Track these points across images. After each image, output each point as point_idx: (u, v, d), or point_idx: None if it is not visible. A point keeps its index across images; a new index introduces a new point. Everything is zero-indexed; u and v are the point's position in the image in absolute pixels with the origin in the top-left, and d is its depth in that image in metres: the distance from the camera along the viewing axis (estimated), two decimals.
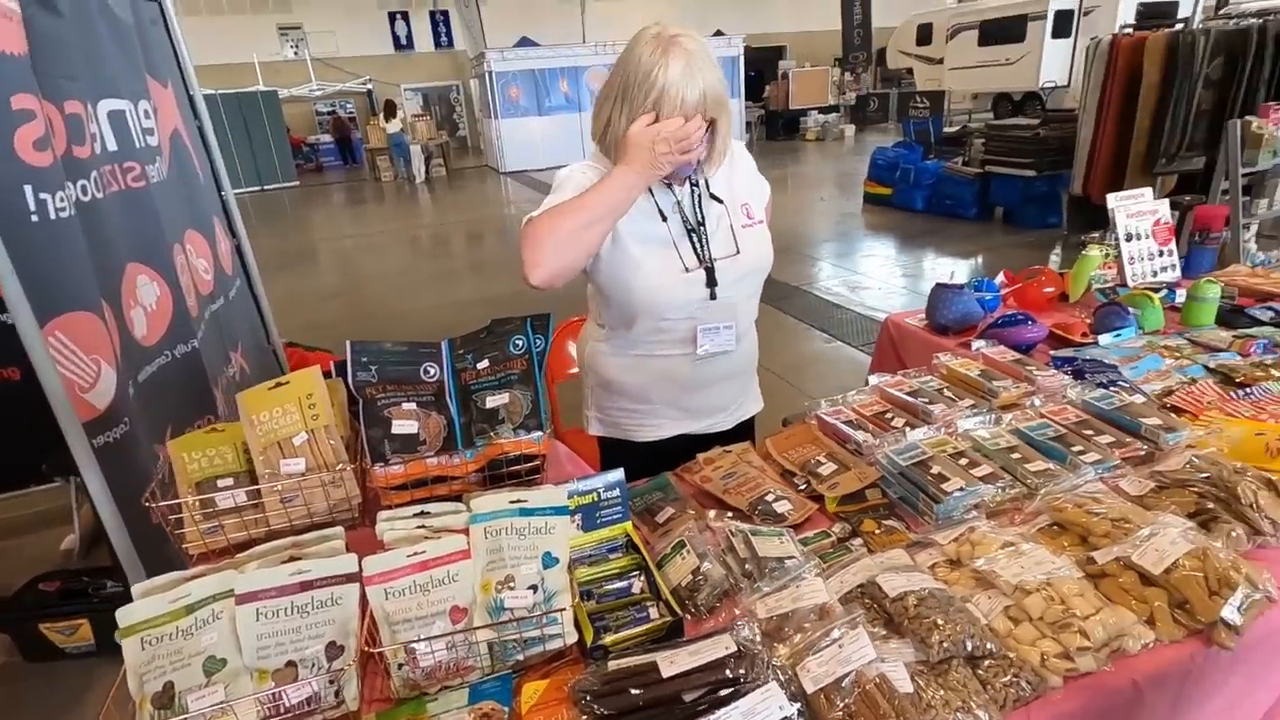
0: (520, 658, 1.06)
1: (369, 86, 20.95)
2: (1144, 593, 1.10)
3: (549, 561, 1.11)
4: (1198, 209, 2.63)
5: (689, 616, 1.15)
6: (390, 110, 15.17)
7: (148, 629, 0.97)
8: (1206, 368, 1.84)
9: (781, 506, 1.39)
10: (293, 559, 1.05)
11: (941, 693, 0.95)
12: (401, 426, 1.20)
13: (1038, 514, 1.30)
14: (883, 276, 6.32)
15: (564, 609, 1.04)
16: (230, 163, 3.08)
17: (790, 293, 5.94)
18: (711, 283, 1.53)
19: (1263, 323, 2.11)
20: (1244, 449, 1.40)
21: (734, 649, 0.98)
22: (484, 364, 1.32)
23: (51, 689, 2.25)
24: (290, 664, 0.98)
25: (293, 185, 16.19)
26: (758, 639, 1.02)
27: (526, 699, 0.99)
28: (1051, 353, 1.94)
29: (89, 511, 2.73)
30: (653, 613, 1.12)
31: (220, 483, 1.14)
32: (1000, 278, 2.49)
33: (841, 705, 0.92)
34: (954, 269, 6.37)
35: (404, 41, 21.40)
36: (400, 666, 1.02)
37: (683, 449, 1.61)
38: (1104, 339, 2.02)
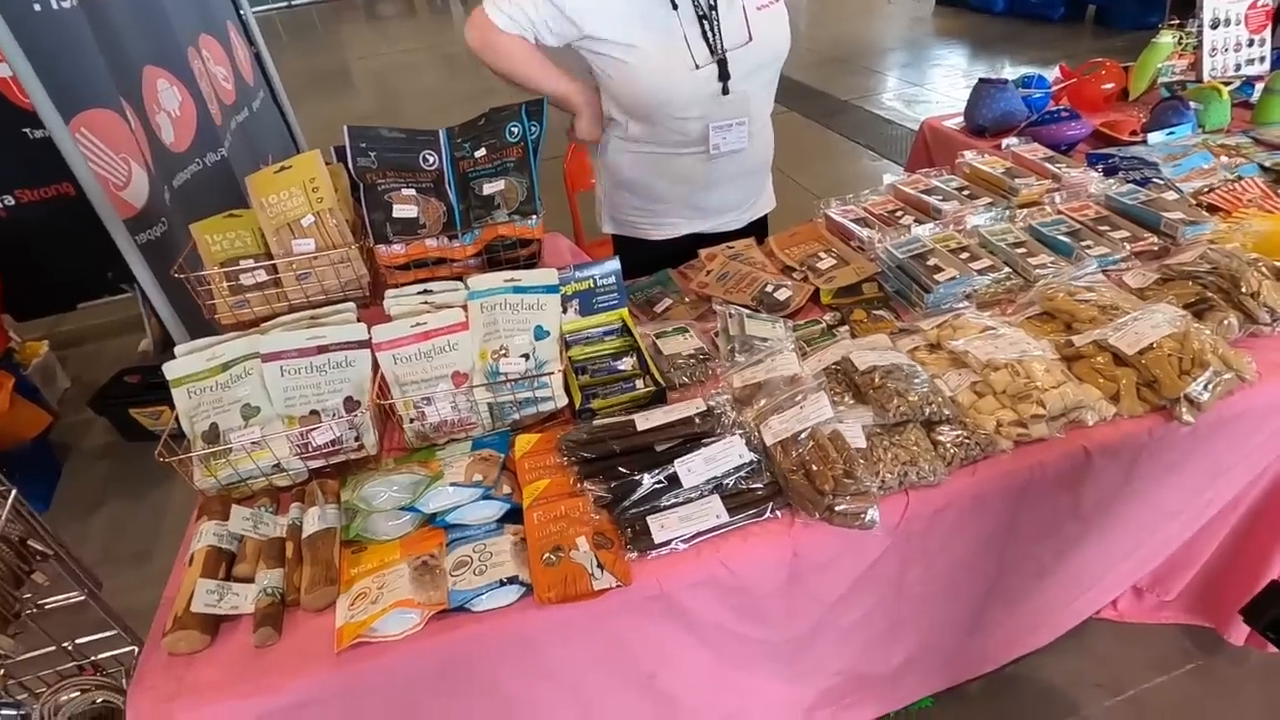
0: (517, 417, 1.18)
1: None
2: (1115, 372, 1.12)
3: (540, 334, 1.19)
4: None
5: (677, 385, 1.24)
6: None
7: (192, 381, 1.11)
8: (1262, 166, 1.70)
9: (782, 294, 1.43)
10: (311, 327, 1.16)
11: (893, 449, 1.03)
12: (402, 211, 1.25)
13: (1030, 304, 1.30)
14: (945, 89, 5.78)
15: (552, 373, 1.14)
16: None
17: (841, 108, 5.54)
18: (724, 76, 1.46)
19: None
20: (1269, 242, 1.34)
21: (704, 409, 1.08)
22: (481, 152, 1.33)
23: (144, 462, 2.62)
24: (314, 412, 1.12)
25: (322, 1, 15.27)
26: (729, 403, 1.11)
27: (520, 448, 1.12)
28: (1089, 151, 1.81)
29: (158, 320, 2.98)
30: (639, 384, 1.21)
31: (243, 262, 1.24)
32: (1055, 72, 2.27)
33: (795, 455, 1.01)
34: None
35: None
36: (411, 421, 1.15)
37: (693, 246, 1.63)
38: (1154, 137, 1.86)
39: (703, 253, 1.58)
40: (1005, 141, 1.81)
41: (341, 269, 1.24)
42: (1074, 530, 1.25)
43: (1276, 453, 1.29)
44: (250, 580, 0.96)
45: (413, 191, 1.28)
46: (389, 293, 1.23)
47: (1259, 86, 2.05)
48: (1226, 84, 2.01)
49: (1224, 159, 1.75)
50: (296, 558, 0.99)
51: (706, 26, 1.42)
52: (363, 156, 1.26)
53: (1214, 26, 2.19)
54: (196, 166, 2.18)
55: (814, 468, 0.98)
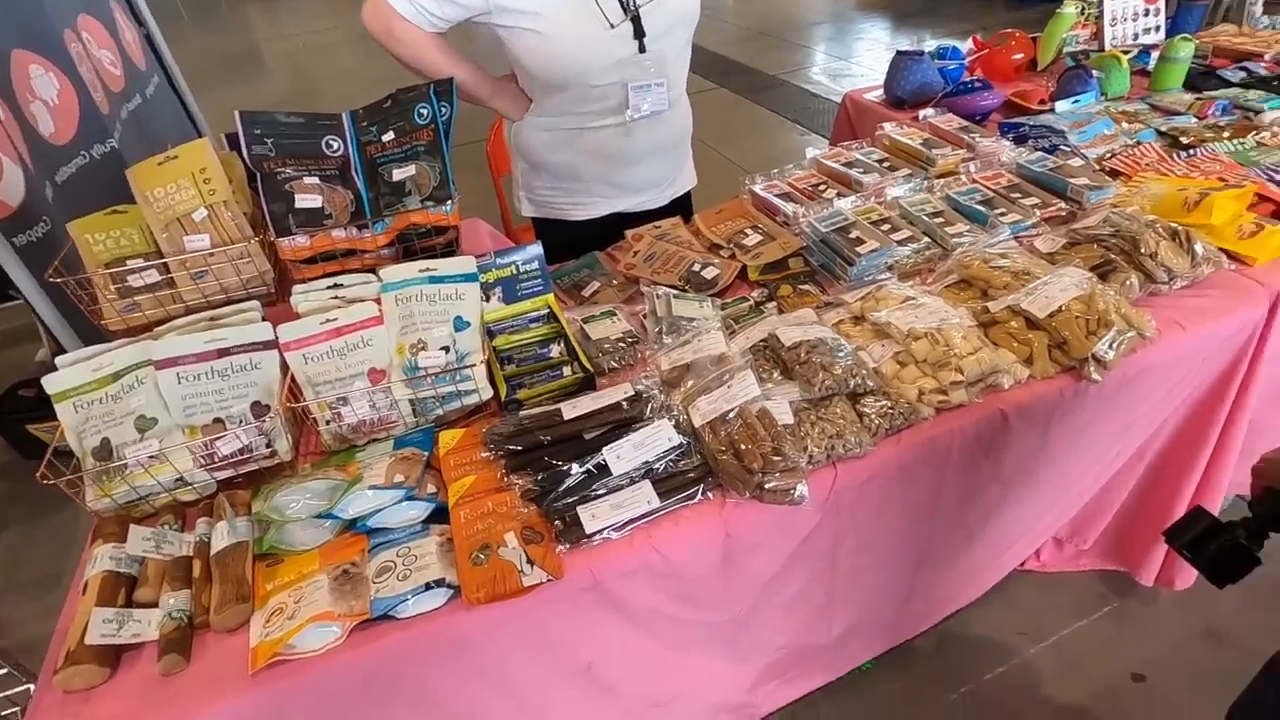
0: (440, 413, 1.14)
1: None
2: (1028, 336, 1.16)
3: (460, 325, 1.15)
4: None
5: (606, 370, 1.22)
6: None
7: (77, 394, 1.03)
8: (1158, 131, 1.78)
9: (710, 273, 1.42)
10: (209, 329, 1.09)
11: (820, 424, 1.04)
12: (305, 201, 1.17)
13: (949, 273, 1.33)
14: (869, 62, 5.88)
15: (475, 365, 1.10)
16: None
17: (769, 83, 5.56)
18: (639, 33, 1.42)
19: (1232, 84, 2.01)
20: (1164, 204, 1.41)
21: (632, 394, 1.06)
22: (389, 136, 1.26)
23: None
24: (217, 420, 1.05)
25: None
26: (657, 386, 1.09)
27: (444, 444, 1.08)
28: (1001, 120, 1.86)
29: None
30: (566, 371, 1.18)
31: (130, 262, 1.14)
32: (968, 44, 2.32)
33: (724, 434, 1.01)
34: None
35: None
36: (328, 423, 1.10)
37: (617, 227, 1.60)
38: (1061, 105, 1.93)
39: (629, 233, 1.56)
40: (922, 113, 1.84)
41: (242, 265, 1.16)
42: (996, 492, 1.29)
43: (1175, 404, 1.36)
44: (154, 605, 0.90)
45: (316, 180, 1.20)
46: (296, 288, 1.16)
47: (1155, 55, 2.14)
48: (1126, 53, 2.10)
49: (1124, 125, 1.82)
50: (205, 576, 0.93)
51: None
52: (258, 144, 1.18)
53: None
54: (83, 160, 2.01)
55: (743, 447, 0.98)
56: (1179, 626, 1.68)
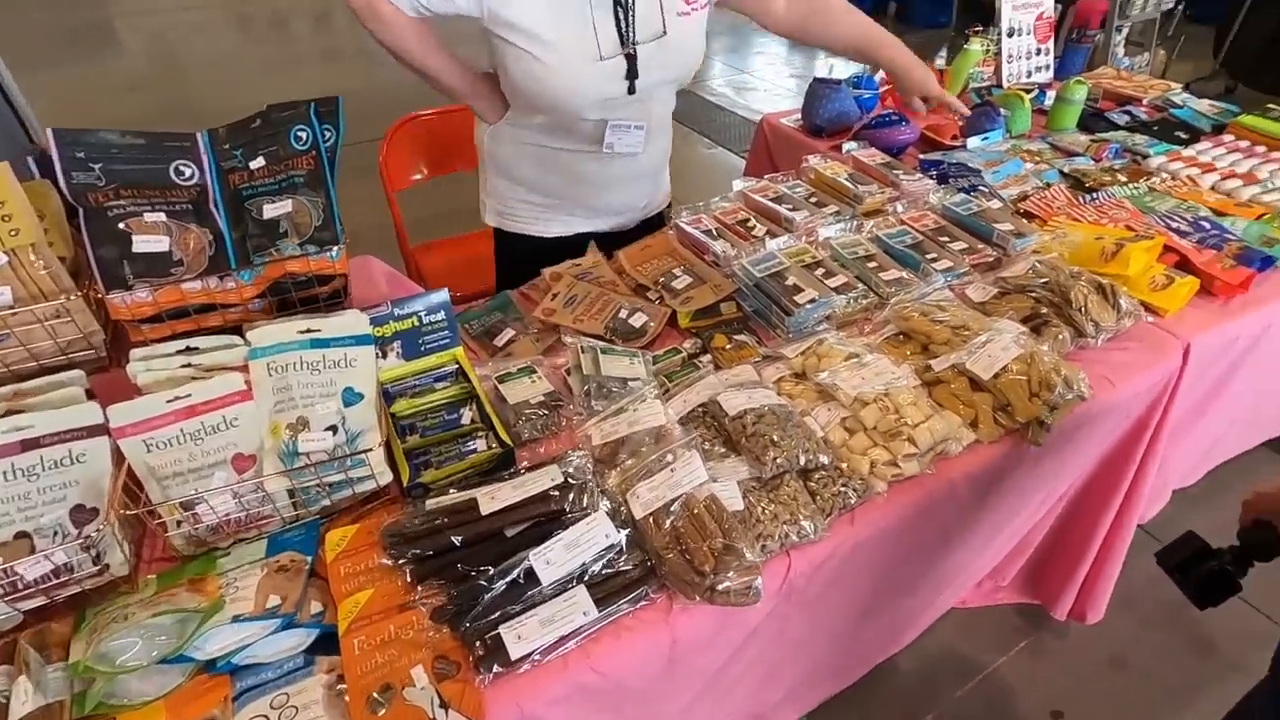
0: (327, 503, 0.95)
1: None
2: (972, 397, 1.11)
3: (350, 398, 0.96)
4: (1080, 2, 2.52)
5: (525, 440, 1.07)
6: None
7: None
8: (1061, 172, 1.83)
9: (638, 320, 1.29)
10: (10, 412, 0.84)
11: (772, 507, 0.94)
12: (146, 243, 0.94)
13: (887, 323, 1.28)
14: (771, 78, 5.97)
15: (370, 449, 0.92)
16: None
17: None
18: (632, 74, 1.31)
19: (1119, 127, 2.11)
20: (1082, 253, 1.42)
21: (560, 479, 0.91)
22: (258, 163, 1.05)
23: None
24: (21, 535, 0.81)
25: None
26: (589, 467, 0.95)
27: (332, 546, 0.90)
28: (920, 156, 1.86)
29: None
30: (479, 445, 1.02)
31: None
32: (880, 74, 2.33)
33: (669, 527, 0.88)
34: (832, 65, 6.11)
35: None
36: (179, 524, 0.88)
37: (584, 247, 1.49)
38: (972, 142, 1.95)
39: (547, 273, 1.41)
40: (846, 146, 1.80)
41: (58, 326, 0.92)
42: (938, 549, 1.25)
43: (1099, 451, 1.38)
44: None
45: (161, 216, 0.98)
46: (134, 354, 0.92)
47: (1050, 93, 2.23)
48: (1027, 91, 2.17)
49: (1030, 165, 1.86)
50: None
51: (620, 14, 1.27)
52: (82, 170, 0.94)
53: (1010, 35, 2.36)
54: None
55: (691, 544, 0.86)
56: (1088, 657, 1.73)
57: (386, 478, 0.95)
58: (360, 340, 0.98)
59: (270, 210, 1.02)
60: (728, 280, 1.38)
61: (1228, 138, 2.01)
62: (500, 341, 1.28)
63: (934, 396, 1.13)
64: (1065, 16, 2.66)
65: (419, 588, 0.84)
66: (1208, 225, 1.57)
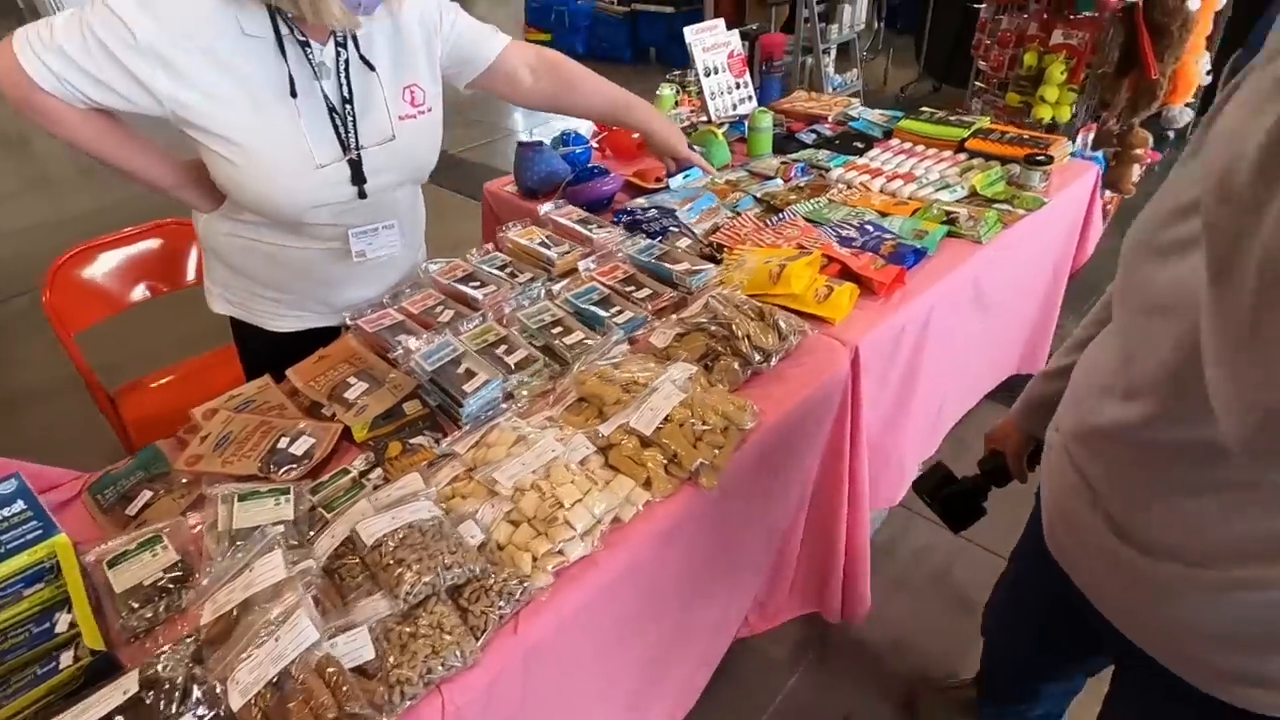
0: None
1: None
2: (643, 455, 1.09)
3: None
4: (762, 38, 2.76)
5: (138, 634, 0.91)
6: None
7: None
8: (755, 198, 1.94)
9: (301, 446, 1.17)
10: None
11: (413, 645, 0.84)
12: None
13: (568, 392, 1.24)
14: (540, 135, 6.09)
15: None
16: None
17: (447, 162, 5.46)
18: (359, 179, 1.21)
19: (807, 145, 2.29)
20: (756, 279, 1.48)
21: (133, 692, 0.76)
22: None
23: None
24: None
25: None
26: (185, 661, 0.81)
27: None
28: (616, 208, 1.89)
29: None
30: (66, 658, 0.84)
31: None
32: (590, 125, 2.39)
33: (278, 706, 0.76)
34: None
35: None
36: None
37: (333, 339, 1.37)
38: (674, 181, 2.02)
39: (197, 412, 1.25)
40: (543, 209, 1.80)
41: None
42: (672, 607, 1.22)
43: (812, 459, 1.43)
44: None
45: None
46: None
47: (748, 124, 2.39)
48: (721, 125, 2.30)
49: (728, 196, 1.96)
50: None
51: (337, 120, 1.16)
52: None
53: (707, 75, 2.51)
54: None
55: None
56: (869, 648, 1.79)
57: None
58: None
59: None
60: (408, 378, 1.29)
61: (894, 142, 2.23)
62: (134, 509, 1.10)
63: (610, 461, 1.10)
64: (754, 50, 2.90)
65: None
66: (871, 228, 1.70)
